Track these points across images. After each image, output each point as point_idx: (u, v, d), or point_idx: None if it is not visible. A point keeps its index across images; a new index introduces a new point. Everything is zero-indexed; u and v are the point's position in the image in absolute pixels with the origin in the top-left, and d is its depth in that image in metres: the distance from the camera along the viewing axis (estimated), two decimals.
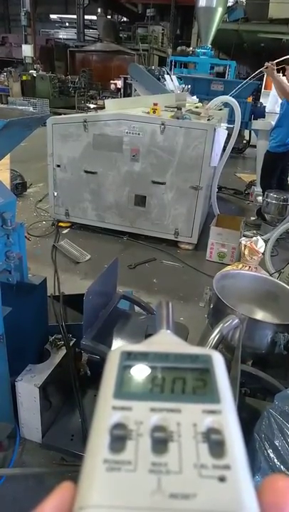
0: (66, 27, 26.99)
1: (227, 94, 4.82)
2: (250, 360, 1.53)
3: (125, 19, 23.70)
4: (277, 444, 1.05)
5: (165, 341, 0.33)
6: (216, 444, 0.22)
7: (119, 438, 0.23)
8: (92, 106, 11.34)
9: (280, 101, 4.74)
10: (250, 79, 4.76)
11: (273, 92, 5.50)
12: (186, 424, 0.23)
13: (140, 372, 0.27)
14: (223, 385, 0.26)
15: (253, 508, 0.20)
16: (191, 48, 12.41)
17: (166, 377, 0.26)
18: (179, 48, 13.06)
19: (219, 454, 0.22)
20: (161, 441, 0.22)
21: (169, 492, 0.20)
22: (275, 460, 1.02)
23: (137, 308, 2.30)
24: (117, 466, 0.21)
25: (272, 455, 1.03)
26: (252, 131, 8.07)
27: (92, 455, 0.22)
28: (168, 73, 6.82)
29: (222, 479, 0.20)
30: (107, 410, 0.24)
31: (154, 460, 0.21)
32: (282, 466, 1.01)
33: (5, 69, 15.17)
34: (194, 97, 6.42)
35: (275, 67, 4.07)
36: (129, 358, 0.28)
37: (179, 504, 0.20)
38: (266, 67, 4.11)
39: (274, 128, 4.69)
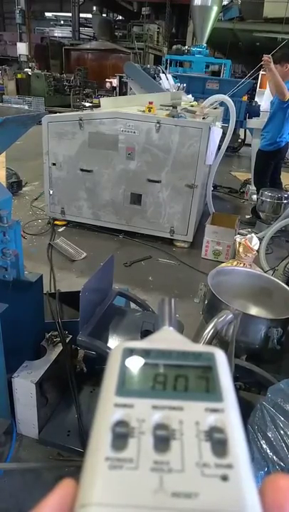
0: (61, 25, 26.90)
1: (222, 93, 4.84)
2: (244, 355, 1.55)
3: (120, 17, 23.67)
4: (269, 435, 1.07)
5: (168, 338, 0.32)
6: (218, 442, 0.22)
7: (121, 436, 0.22)
8: (87, 104, 11.34)
9: (271, 98, 4.75)
10: (248, 76, 4.76)
11: (268, 90, 5.51)
12: (188, 422, 0.23)
13: (142, 369, 0.27)
14: (226, 383, 0.25)
15: (256, 507, 0.20)
16: (186, 47, 12.40)
17: (168, 374, 0.26)
18: (174, 47, 13.04)
19: (222, 452, 0.21)
20: (163, 440, 0.22)
21: (171, 491, 0.20)
22: (268, 451, 1.05)
23: (132, 305, 2.32)
24: (119, 464, 0.21)
25: (265, 446, 1.05)
26: (247, 130, 8.10)
27: (94, 452, 0.22)
28: (163, 72, 6.82)
29: (224, 478, 0.20)
30: (109, 407, 0.24)
31: (156, 458, 0.21)
32: (274, 457, 1.03)
33: None
34: (190, 96, 6.44)
35: (272, 60, 3.99)
36: (132, 354, 0.28)
37: (181, 503, 0.19)
38: (264, 61, 3.98)
39: (264, 127, 4.70)
